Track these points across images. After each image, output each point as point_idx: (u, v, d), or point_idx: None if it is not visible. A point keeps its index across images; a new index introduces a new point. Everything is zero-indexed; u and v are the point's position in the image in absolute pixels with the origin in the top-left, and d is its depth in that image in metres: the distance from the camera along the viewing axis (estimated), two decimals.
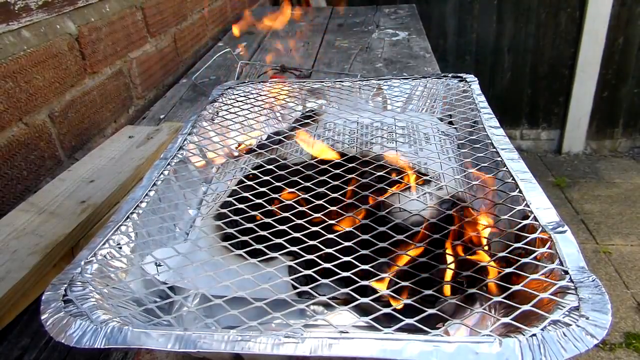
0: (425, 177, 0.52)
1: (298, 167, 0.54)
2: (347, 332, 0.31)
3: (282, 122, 0.71)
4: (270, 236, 0.44)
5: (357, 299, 0.36)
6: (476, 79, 0.71)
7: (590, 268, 0.34)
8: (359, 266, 0.40)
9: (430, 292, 0.38)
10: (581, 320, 0.30)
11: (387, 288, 0.39)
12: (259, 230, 0.45)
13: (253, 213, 0.48)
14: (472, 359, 0.29)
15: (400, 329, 0.32)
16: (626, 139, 2.74)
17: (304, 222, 0.45)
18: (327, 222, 0.45)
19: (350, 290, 0.37)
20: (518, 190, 0.45)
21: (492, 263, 0.39)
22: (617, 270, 1.86)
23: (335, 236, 0.43)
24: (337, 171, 0.52)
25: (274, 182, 0.52)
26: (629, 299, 1.72)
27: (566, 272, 0.35)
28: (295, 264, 0.41)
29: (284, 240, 0.43)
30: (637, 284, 1.79)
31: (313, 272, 0.39)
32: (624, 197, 2.32)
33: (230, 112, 0.68)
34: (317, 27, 1.69)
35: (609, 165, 2.64)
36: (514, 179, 0.47)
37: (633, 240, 2.02)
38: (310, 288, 0.38)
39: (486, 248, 0.43)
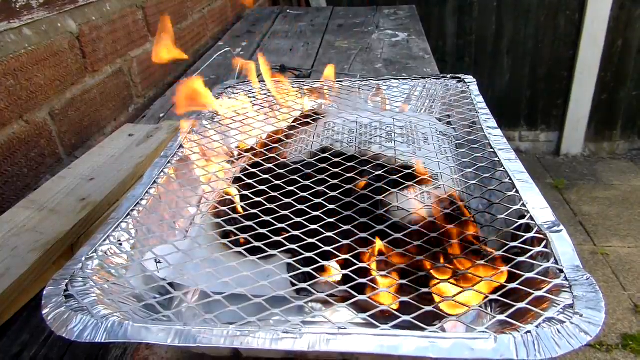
0: (422, 177, 0.53)
1: (297, 165, 0.55)
2: (344, 328, 0.32)
3: (282, 122, 0.72)
4: (269, 234, 0.44)
5: (355, 296, 0.36)
6: (474, 80, 0.71)
7: (587, 270, 0.35)
8: (356, 264, 0.40)
9: (427, 289, 0.38)
10: (575, 317, 0.31)
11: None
12: (258, 228, 0.45)
13: (252, 211, 0.48)
14: (468, 354, 0.29)
15: (397, 326, 0.33)
16: (624, 141, 2.75)
17: (302, 220, 0.45)
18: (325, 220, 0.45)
19: (348, 287, 0.38)
20: (515, 190, 0.46)
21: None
22: (614, 272, 1.86)
23: (334, 234, 0.43)
24: (336, 170, 0.53)
25: (272, 180, 0.52)
26: (626, 301, 1.73)
27: (561, 271, 0.35)
28: (294, 261, 0.41)
29: (283, 238, 0.43)
30: (634, 285, 1.80)
31: (311, 269, 0.40)
32: (622, 199, 2.33)
33: (230, 111, 0.69)
34: (317, 28, 1.70)
35: (607, 167, 2.64)
36: (511, 179, 0.47)
37: (630, 242, 2.02)
38: (308, 285, 0.38)
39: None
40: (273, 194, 0.50)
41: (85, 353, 0.51)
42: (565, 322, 0.31)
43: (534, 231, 0.40)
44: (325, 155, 0.56)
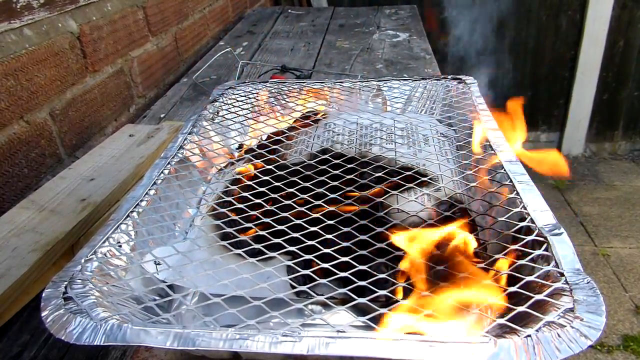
0: (423, 179, 0.52)
1: (297, 167, 0.54)
2: (344, 332, 0.32)
3: (282, 122, 0.72)
4: (269, 236, 0.44)
5: (355, 299, 0.36)
6: (475, 80, 0.71)
7: (588, 271, 0.35)
8: (356, 266, 0.40)
9: (427, 293, 0.38)
10: (575, 321, 0.31)
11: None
12: (257, 230, 0.45)
13: (252, 212, 0.48)
14: (468, 359, 0.29)
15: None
16: (626, 142, 2.74)
17: (302, 222, 0.45)
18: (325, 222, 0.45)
19: (348, 290, 0.37)
20: (515, 192, 0.45)
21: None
22: (615, 273, 1.86)
23: (334, 236, 0.43)
24: (336, 172, 0.53)
25: (273, 182, 0.52)
26: (627, 302, 1.73)
27: (561, 274, 0.35)
28: (294, 263, 0.41)
29: (283, 240, 0.43)
30: (635, 286, 1.79)
31: (311, 271, 0.40)
32: (623, 199, 2.32)
33: (231, 112, 0.68)
34: (318, 28, 1.70)
35: (609, 168, 2.64)
36: (511, 181, 0.47)
37: (632, 242, 2.02)
38: (308, 288, 0.38)
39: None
40: (273, 195, 0.50)
41: (84, 354, 0.51)
42: (565, 326, 0.31)
43: (535, 234, 0.40)
44: (326, 156, 0.56)
